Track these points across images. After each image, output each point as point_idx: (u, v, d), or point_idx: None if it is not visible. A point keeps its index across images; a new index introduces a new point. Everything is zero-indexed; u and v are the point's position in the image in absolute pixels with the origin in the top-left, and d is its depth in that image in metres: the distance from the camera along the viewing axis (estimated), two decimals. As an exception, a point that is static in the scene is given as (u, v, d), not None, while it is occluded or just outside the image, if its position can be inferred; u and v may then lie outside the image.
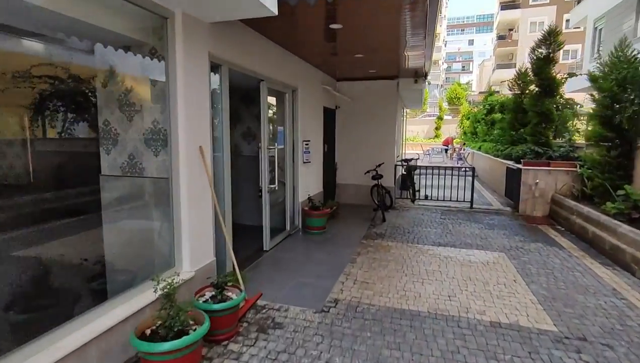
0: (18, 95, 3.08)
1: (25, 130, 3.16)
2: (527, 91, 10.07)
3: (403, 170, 9.17)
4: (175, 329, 2.32)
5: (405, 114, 15.22)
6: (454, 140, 20.74)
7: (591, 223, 5.57)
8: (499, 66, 37.51)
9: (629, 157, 5.78)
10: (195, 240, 3.46)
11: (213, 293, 3.07)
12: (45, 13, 2.59)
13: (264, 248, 5.18)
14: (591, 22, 15.07)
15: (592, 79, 5.97)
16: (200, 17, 3.39)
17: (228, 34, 3.95)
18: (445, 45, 63.86)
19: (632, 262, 4.45)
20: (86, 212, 3.58)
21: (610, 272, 4.53)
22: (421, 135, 33.92)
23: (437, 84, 52.50)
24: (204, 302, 2.98)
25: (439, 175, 9.04)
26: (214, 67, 3.84)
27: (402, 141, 14.33)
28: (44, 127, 3.44)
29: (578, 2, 16.58)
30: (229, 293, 3.12)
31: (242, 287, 3.47)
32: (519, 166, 7.74)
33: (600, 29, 14.38)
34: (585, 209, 5.81)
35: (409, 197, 9.00)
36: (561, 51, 8.59)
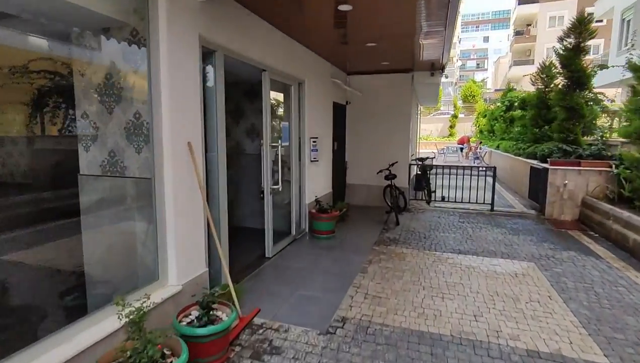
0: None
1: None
2: (551, 86, 9.41)
3: (418, 169, 8.63)
4: (143, 366, 1.88)
5: (419, 111, 14.62)
6: (470, 139, 19.99)
7: (632, 229, 4.96)
8: (516, 63, 36.35)
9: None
10: (183, 249, 3.03)
11: (199, 313, 2.63)
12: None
13: (266, 255, 4.74)
14: (618, 13, 14.21)
15: (634, 68, 5.34)
16: (188, -6, 2.96)
17: (223, 15, 3.51)
18: (459, 42, 62.55)
19: (687, 277, 3.86)
20: (64, 217, 3.20)
21: (661, 288, 3.95)
22: (435, 133, 33.08)
23: (451, 82, 51.43)
24: (189, 323, 2.55)
25: (455, 174, 8.46)
26: (207, 54, 3.41)
27: (416, 139, 13.75)
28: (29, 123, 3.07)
29: (604, -7, 15.69)
30: (219, 313, 2.68)
31: (237, 305, 3.02)
32: (545, 166, 7.12)
33: (629, 20, 13.52)
34: (625, 214, 5.19)
35: (424, 198, 8.46)
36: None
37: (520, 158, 9.49)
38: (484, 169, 9.19)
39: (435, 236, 5.86)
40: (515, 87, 17.50)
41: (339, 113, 7.67)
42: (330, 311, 3.38)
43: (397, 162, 7.54)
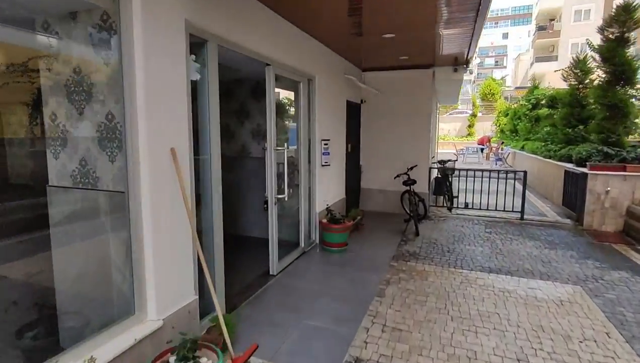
0: None
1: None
2: (586, 81, 8.61)
3: (438, 173, 7.98)
4: None
5: (438, 110, 13.90)
6: (491, 139, 19.07)
7: (697, 247, 4.23)
8: (538, 59, 34.94)
9: None
10: (165, 275, 2.53)
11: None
12: None
13: (271, 272, 4.22)
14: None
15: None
16: (171, -30, 2.46)
17: (217, -1, 3.00)
18: (477, 39, 60.70)
19: None
20: (30, 237, 2.75)
21: None
22: (452, 133, 32.05)
23: (469, 80, 50.01)
24: (164, 376, 2.05)
25: (474, 177, 7.77)
26: (197, 45, 2.91)
27: (435, 140, 13.05)
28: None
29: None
30: (203, 361, 2.17)
31: (228, 343, 2.51)
32: (583, 170, 6.39)
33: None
34: (687, 229, 4.46)
35: (444, 204, 7.80)
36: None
37: (551, 161, 8.71)
38: (513, 172, 8.46)
39: (460, 249, 5.24)
40: (540, 84, 16.51)
41: (353, 112, 7.11)
42: (342, 349, 2.83)
43: (416, 165, 6.92)
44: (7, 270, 2.63)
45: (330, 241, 5.10)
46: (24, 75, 2.75)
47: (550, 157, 8.89)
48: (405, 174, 6.61)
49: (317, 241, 5.39)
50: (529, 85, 33.98)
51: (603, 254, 5.06)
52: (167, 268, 2.56)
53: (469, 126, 30.89)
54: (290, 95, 5.07)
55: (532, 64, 36.99)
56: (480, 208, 7.32)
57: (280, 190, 4.30)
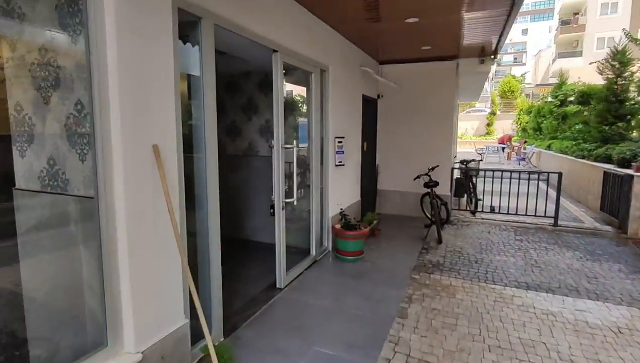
0: None
1: None
2: (625, 74, 7.88)
3: (461, 173, 7.41)
4: None
5: (458, 107, 13.23)
6: (512, 138, 18.21)
7: None
8: (561, 55, 33.59)
9: None
10: (145, 298, 2.10)
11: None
12: None
13: (277, 286, 3.77)
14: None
15: None
16: None
17: (214, -30, 2.55)
18: (495, 36, 59.07)
19: None
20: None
21: None
22: (470, 132, 31.06)
23: (488, 77, 48.60)
24: None
25: (492, 178, 7.16)
26: (189, 23, 2.47)
27: (456, 139, 12.40)
28: None
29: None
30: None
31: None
32: (628, 171, 5.73)
33: None
34: None
35: (468, 208, 7.22)
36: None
37: (585, 161, 8.00)
38: (545, 173, 7.80)
39: (490, 260, 4.68)
40: (567, 80, 15.60)
41: (369, 108, 6.60)
42: (358, 387, 2.35)
43: (437, 166, 6.37)
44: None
45: (344, 249, 4.62)
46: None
47: (583, 157, 8.18)
48: (426, 174, 6.07)
49: (330, 248, 4.92)
50: (551, 82, 32.74)
51: (656, 268, 4.44)
52: (149, 290, 2.13)
53: (488, 125, 29.86)
54: (302, 89, 4.61)
55: (554, 60, 35.61)
56: (508, 213, 6.70)
57: (288, 193, 3.84)
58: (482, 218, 6.81)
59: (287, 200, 3.67)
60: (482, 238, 5.66)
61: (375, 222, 5.61)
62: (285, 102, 3.65)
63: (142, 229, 2.06)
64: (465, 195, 7.43)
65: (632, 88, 7.59)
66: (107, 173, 1.93)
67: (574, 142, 9.57)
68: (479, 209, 7.05)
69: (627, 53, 7.65)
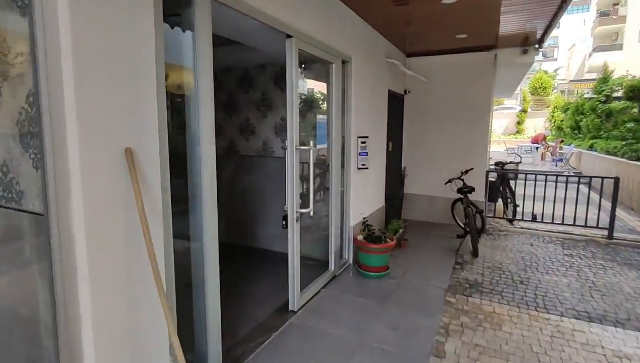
0: None
1: None
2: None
3: (497, 176, 6.70)
4: None
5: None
6: (546, 138, 17.04)
7: None
8: (599, 49, 31.54)
9: None
10: (114, 341, 1.65)
11: None
12: None
13: (290, 308, 3.27)
14: None
15: None
16: None
17: None
18: (525, 30, 56.57)
19: None
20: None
21: None
22: (499, 131, 29.65)
23: (528, 70, 46.48)
24: None
25: (525, 180, 6.38)
26: (177, 1, 2.00)
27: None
28: None
29: None
30: None
31: None
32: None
33: None
34: None
35: (504, 215, 6.51)
36: None
37: (640, 163, 7.12)
38: (598, 178, 6.97)
39: (538, 280, 4.03)
40: (595, 78, 14.35)
41: (395, 105, 6.01)
42: None
43: (472, 168, 5.71)
44: None
45: (367, 264, 4.07)
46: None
47: (637, 159, 7.27)
48: (459, 178, 5.45)
49: (350, 261, 4.39)
50: (586, 77, 30.77)
51: None
52: (119, 330, 1.67)
53: (518, 123, 28.37)
54: (322, 85, 4.10)
55: (590, 54, 33.56)
56: (553, 222, 5.93)
57: (304, 202, 3.34)
58: (522, 228, 6.10)
59: (302, 210, 3.17)
60: (524, 251, 4.98)
61: (401, 230, 5.04)
62: (301, 96, 3.14)
63: (109, 255, 1.60)
64: (501, 201, 6.73)
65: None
66: (61, 184, 1.48)
67: (623, 142, 8.61)
68: (520, 218, 6.32)
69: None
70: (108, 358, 1.61)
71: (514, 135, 27.19)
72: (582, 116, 14.19)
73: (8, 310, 1.85)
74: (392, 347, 2.76)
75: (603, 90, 11.97)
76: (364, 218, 4.39)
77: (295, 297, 3.24)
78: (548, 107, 27.07)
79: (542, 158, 15.40)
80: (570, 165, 12.98)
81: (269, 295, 3.56)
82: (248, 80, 4.79)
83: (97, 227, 1.54)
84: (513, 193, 6.51)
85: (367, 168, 4.59)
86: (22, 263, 1.78)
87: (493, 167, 7.00)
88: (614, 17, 30.53)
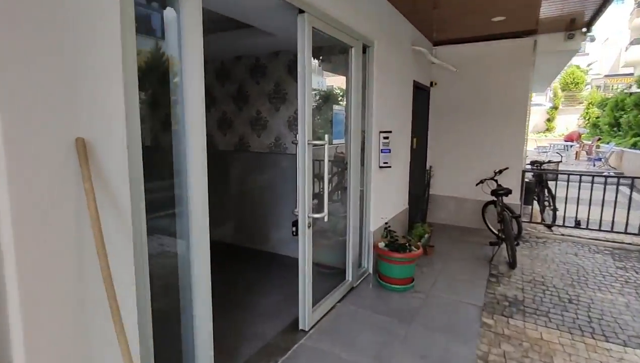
0: None
1: None
2: None
3: (531, 176, 6.09)
4: None
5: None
6: (581, 135, 15.97)
7: None
8: (637, 41, 29.54)
9: None
10: (65, 395, 1.27)
11: None
12: None
13: (301, 327, 2.86)
14: None
15: None
16: None
17: None
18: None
19: None
20: None
21: None
22: (528, 128, 28.33)
23: (572, 58, 44.46)
24: None
25: (556, 181, 5.71)
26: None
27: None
28: None
29: None
30: None
31: None
32: None
33: None
34: None
35: (542, 220, 5.89)
36: None
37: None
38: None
39: (590, 299, 3.46)
40: (632, 73, 13.21)
41: (421, 97, 5.49)
42: None
43: (507, 168, 5.13)
44: None
45: (389, 275, 3.61)
46: None
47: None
48: (493, 179, 4.88)
49: (370, 270, 3.94)
50: (622, 72, 28.91)
51: None
52: (72, 379, 1.29)
53: (548, 120, 26.95)
54: (336, 64, 3.65)
55: (627, 47, 31.55)
56: (600, 229, 5.26)
57: (318, 205, 2.92)
58: (562, 235, 5.47)
59: (316, 215, 2.74)
60: (568, 262, 4.39)
61: (426, 236, 4.54)
62: (316, 90, 2.72)
63: (51, 284, 1.22)
64: (537, 204, 6.10)
65: None
66: (-14, 187, 1.11)
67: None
68: (561, 224, 5.68)
69: None
70: (54, 413, 1.24)
71: (544, 132, 25.84)
72: (623, 112, 13.14)
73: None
74: (420, 382, 2.30)
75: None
76: (387, 223, 3.92)
77: (307, 315, 2.82)
78: (581, 103, 25.59)
79: (577, 157, 14.41)
80: (609, 165, 12.00)
81: (278, 308, 3.16)
82: (259, 70, 4.40)
83: (32, 241, 1.16)
84: (553, 196, 5.87)
85: (389, 166, 4.11)
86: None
87: (529, 166, 6.37)
88: (655, 7, 28.48)
